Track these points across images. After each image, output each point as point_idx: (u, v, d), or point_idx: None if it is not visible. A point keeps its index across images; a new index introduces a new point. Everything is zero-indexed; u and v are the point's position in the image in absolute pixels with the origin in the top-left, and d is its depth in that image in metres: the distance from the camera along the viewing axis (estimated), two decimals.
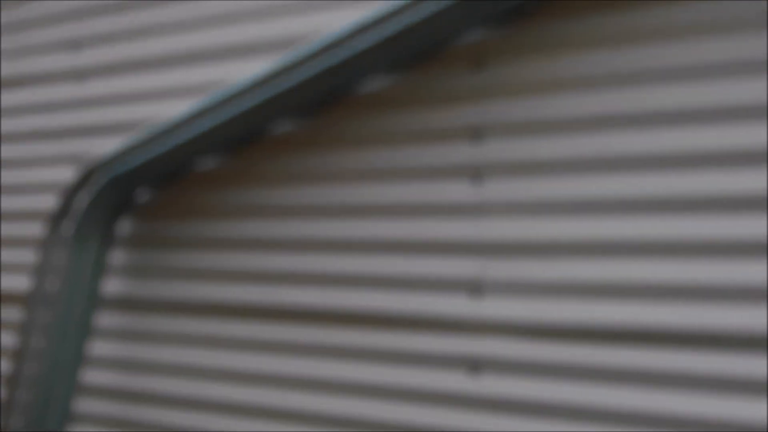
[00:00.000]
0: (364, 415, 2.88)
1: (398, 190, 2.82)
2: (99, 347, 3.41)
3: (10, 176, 3.72)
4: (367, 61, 2.73)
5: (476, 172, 2.69)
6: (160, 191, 3.29)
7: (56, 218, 3.19)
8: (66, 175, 3.52)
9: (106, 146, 3.38)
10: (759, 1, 2.30)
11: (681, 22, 2.40)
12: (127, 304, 3.38)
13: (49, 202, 3.56)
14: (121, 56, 3.43)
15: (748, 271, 2.31)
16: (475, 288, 2.69)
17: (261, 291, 3.09)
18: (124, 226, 3.37)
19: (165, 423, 3.26)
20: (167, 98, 3.28)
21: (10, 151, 3.73)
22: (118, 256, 3.38)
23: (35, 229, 3.59)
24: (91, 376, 3.44)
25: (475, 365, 2.69)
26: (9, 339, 3.68)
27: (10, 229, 3.71)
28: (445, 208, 2.75)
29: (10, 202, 3.72)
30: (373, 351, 2.87)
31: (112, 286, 3.40)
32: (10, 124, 3.75)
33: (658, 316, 2.43)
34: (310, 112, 2.95)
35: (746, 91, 2.31)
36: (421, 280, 2.79)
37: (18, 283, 3.67)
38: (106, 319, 3.41)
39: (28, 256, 3.61)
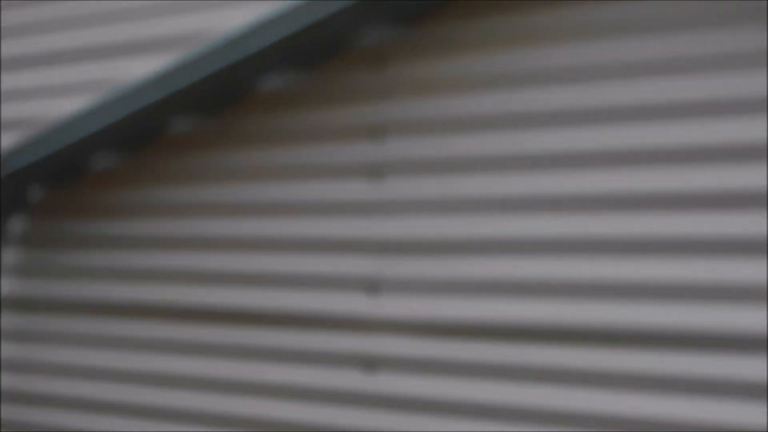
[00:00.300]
0: (260, 415, 2.87)
1: (297, 188, 2.82)
2: None
3: None
4: (267, 59, 2.71)
5: (376, 171, 2.70)
6: (55, 189, 3.24)
7: None
8: None
9: None
10: (641, 2, 2.35)
11: (579, 23, 2.43)
12: (20, 304, 3.32)
13: None
14: (12, 53, 3.36)
15: (650, 269, 2.35)
16: (372, 286, 2.70)
17: (159, 290, 3.05)
18: (18, 225, 3.31)
19: (60, 425, 3.21)
20: (61, 95, 3.23)
21: None
22: (11, 256, 3.31)
23: None
24: None
25: (371, 363, 2.71)
26: None
27: None
28: (344, 207, 2.76)
29: None
30: (270, 349, 2.87)
31: (5, 286, 3.33)
32: None
33: (554, 313, 2.46)
34: (210, 110, 2.93)
35: (642, 92, 2.36)
36: (320, 278, 2.79)
37: None
38: None
39: None
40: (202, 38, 2.92)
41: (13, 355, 3.30)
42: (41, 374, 3.24)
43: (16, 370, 3.29)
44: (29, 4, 3.28)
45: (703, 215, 2.29)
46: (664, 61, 2.33)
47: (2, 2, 3.17)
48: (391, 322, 2.68)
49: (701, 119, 2.29)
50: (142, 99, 2.83)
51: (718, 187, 2.27)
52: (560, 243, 2.46)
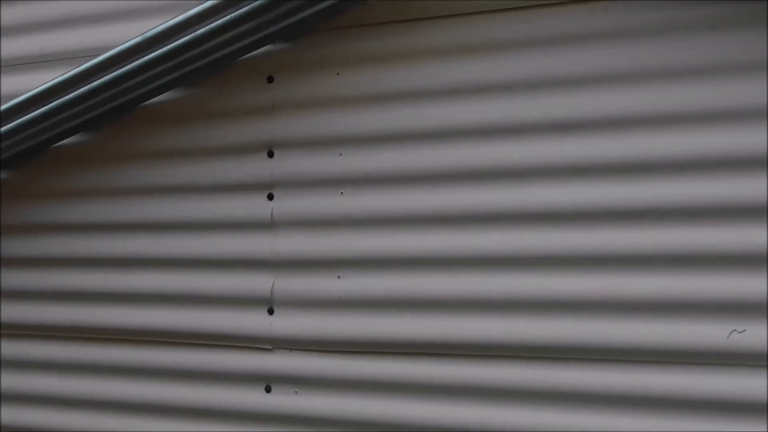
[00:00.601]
0: None
1: (194, 205, 2.77)
2: None
3: None
4: (155, 74, 2.67)
5: (270, 187, 2.67)
6: None
7: None
8: None
9: None
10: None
11: (466, 41, 2.44)
12: None
13: None
14: None
15: (535, 283, 2.38)
16: (269, 304, 2.68)
17: (46, 310, 2.98)
18: None
19: None
20: None
21: None
22: None
23: None
24: None
25: (269, 381, 2.68)
26: None
27: None
28: (241, 224, 2.72)
29: None
30: (169, 369, 2.82)
31: None
32: None
33: (449, 329, 2.46)
34: (96, 125, 2.87)
35: (534, 107, 2.38)
36: (218, 296, 2.75)
37: None
38: None
39: None
40: (88, 54, 2.85)
41: None
42: None
43: None
44: None
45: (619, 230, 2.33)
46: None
47: None
48: (287, 339, 2.66)
49: (600, 133, 2.33)
50: (24, 115, 2.76)
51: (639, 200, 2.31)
52: (453, 258, 2.46)
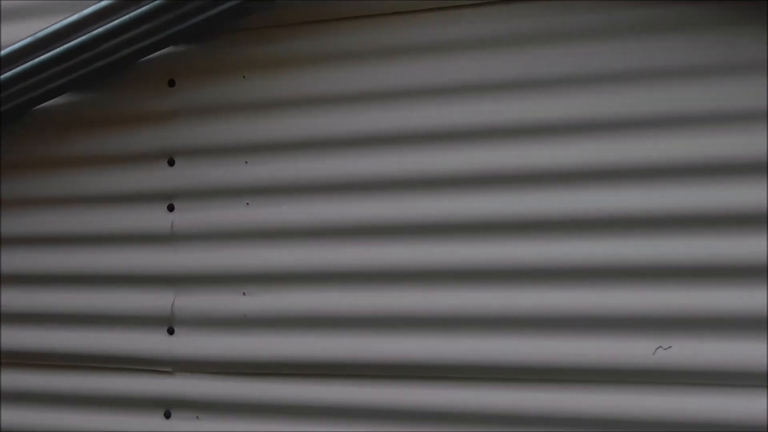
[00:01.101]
0: None
1: (87, 217, 2.65)
2: None
3: None
4: (48, 76, 2.54)
5: (170, 197, 2.56)
6: None
7: None
8: None
9: None
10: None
11: (380, 43, 2.37)
12: None
13: None
14: None
15: (461, 299, 2.31)
16: (169, 323, 2.56)
17: None
18: None
19: None
20: None
21: None
22: None
23: None
24: None
25: (169, 406, 2.56)
26: None
27: None
28: (138, 237, 2.61)
29: None
30: (60, 394, 2.68)
31: None
32: None
33: (361, 348, 2.39)
34: None
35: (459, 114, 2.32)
36: (113, 315, 2.63)
37: None
38: None
39: None
40: None
41: None
42: None
43: None
44: None
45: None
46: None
47: None
48: (188, 361, 2.55)
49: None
50: None
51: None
52: (365, 272, 2.38)
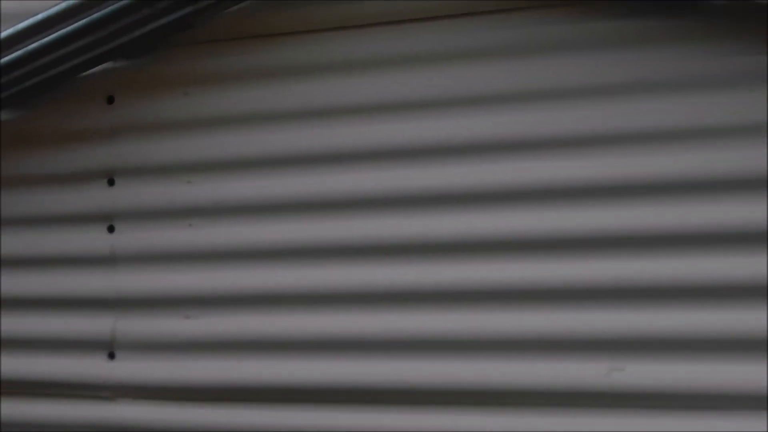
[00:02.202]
0: None
1: (23, 239, 2.59)
2: None
3: None
4: None
5: (110, 218, 2.52)
6: None
7: None
8: None
9: None
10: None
11: (327, 58, 2.34)
12: None
13: None
14: None
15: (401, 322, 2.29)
16: (109, 347, 2.52)
17: None
18: None
19: None
20: None
21: None
22: None
23: None
24: None
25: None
26: None
27: None
28: (77, 259, 2.56)
29: None
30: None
31: None
32: None
33: (308, 373, 2.35)
34: None
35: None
36: (51, 339, 2.57)
37: None
38: None
39: None
40: None
41: None
42: None
43: None
44: None
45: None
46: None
47: None
48: (129, 386, 2.50)
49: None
50: None
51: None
52: (312, 295, 2.35)
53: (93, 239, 2.52)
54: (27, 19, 2.37)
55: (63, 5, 2.33)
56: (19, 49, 2.40)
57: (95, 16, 2.34)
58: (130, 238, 2.49)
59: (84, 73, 2.51)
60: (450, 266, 2.25)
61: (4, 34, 2.39)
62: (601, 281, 2.15)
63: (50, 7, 2.34)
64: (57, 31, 2.38)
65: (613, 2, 2.12)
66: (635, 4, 2.10)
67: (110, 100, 2.52)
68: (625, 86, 2.13)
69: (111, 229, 2.51)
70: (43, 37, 2.39)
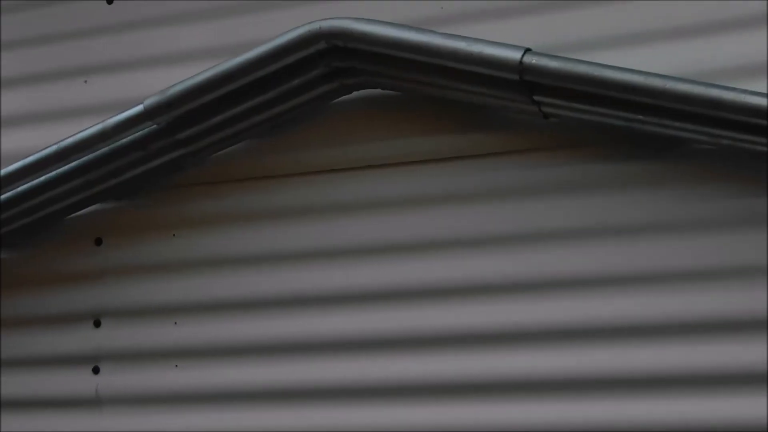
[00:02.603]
0: None
1: (7, 380, 2.58)
2: None
3: None
4: None
5: (96, 360, 2.51)
6: None
7: None
8: None
9: None
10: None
11: (312, 201, 2.37)
12: None
13: None
14: None
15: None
16: None
17: None
18: None
19: None
20: None
21: None
22: None
23: None
24: None
25: None
26: None
27: None
28: (61, 402, 2.54)
29: None
30: None
31: None
32: None
33: None
34: None
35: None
36: None
37: None
38: None
39: None
40: None
41: None
42: None
43: None
44: None
45: None
46: None
47: None
48: None
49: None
50: None
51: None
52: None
53: (78, 381, 2.51)
54: (18, 161, 2.40)
55: (54, 148, 2.36)
56: (9, 191, 2.43)
57: (87, 158, 2.38)
58: (115, 379, 2.48)
59: (73, 215, 2.54)
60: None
61: None
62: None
63: (43, 149, 2.37)
64: (47, 173, 2.41)
65: (601, 147, 2.17)
66: (624, 147, 2.15)
67: (98, 241, 2.53)
68: (613, 228, 2.16)
69: (96, 371, 2.50)
70: (33, 179, 2.42)
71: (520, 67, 2.01)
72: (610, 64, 1.99)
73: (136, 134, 2.35)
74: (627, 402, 2.11)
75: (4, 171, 2.42)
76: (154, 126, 2.33)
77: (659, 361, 2.09)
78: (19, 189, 2.44)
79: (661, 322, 2.10)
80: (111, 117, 2.32)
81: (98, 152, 2.38)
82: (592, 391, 2.14)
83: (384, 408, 2.27)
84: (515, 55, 2.02)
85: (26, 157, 2.39)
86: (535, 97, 2.08)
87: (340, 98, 2.32)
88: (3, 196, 2.44)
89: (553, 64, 2.01)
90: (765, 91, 1.89)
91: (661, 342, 2.09)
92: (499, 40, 2.05)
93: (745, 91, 1.90)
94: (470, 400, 2.21)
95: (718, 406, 2.04)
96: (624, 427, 2.10)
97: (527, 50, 2.02)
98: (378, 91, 2.29)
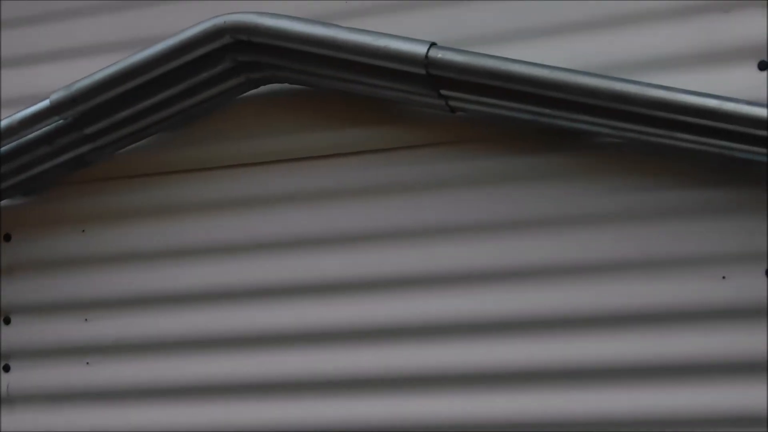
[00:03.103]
0: None
1: None
2: None
3: None
4: None
5: (6, 358, 2.50)
6: None
7: None
8: None
9: None
10: None
11: (224, 195, 2.37)
12: None
13: None
14: None
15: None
16: None
17: None
18: None
19: None
20: None
21: None
22: None
23: None
24: None
25: None
26: None
27: None
28: None
29: None
30: None
31: None
32: None
33: None
34: None
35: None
36: None
37: None
38: None
39: None
40: None
41: None
42: None
43: None
44: None
45: None
46: None
47: None
48: None
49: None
50: None
51: None
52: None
53: None
54: None
55: None
56: None
57: None
58: (25, 377, 2.47)
59: None
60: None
61: None
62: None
63: None
64: None
65: (508, 141, 2.19)
66: (531, 141, 2.17)
67: (7, 237, 2.52)
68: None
69: (6, 369, 2.49)
70: None
71: (426, 61, 2.02)
72: (515, 58, 2.00)
73: (43, 129, 2.33)
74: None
75: None
76: (61, 121, 2.31)
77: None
78: None
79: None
80: (17, 112, 2.30)
81: (5, 147, 2.35)
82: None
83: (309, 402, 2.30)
84: (421, 49, 2.03)
85: None
86: (442, 91, 2.09)
87: (247, 93, 2.31)
88: None
89: (458, 58, 2.02)
90: (669, 84, 1.92)
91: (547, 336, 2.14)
92: (405, 34, 2.05)
93: (649, 85, 1.92)
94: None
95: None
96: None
97: (432, 44, 2.03)
98: (285, 85, 2.28)
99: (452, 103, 2.13)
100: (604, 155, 2.12)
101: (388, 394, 2.22)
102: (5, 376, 2.49)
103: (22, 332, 2.48)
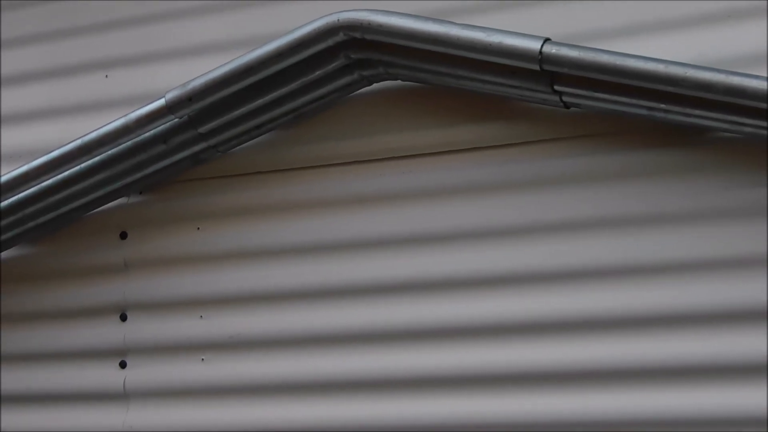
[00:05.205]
0: None
1: (35, 375, 2.67)
2: None
3: None
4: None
5: (123, 354, 2.59)
6: None
7: None
8: None
9: None
10: None
11: (333, 194, 2.44)
12: None
13: None
14: None
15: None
16: None
17: None
18: None
19: None
20: None
21: None
22: None
23: None
24: None
25: None
26: None
27: None
28: (89, 396, 2.62)
29: None
30: None
31: None
32: None
33: None
34: None
35: None
36: None
37: None
38: None
39: None
40: None
41: None
42: None
43: None
44: None
45: None
46: None
47: None
48: None
49: None
50: None
51: None
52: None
53: (105, 375, 2.59)
54: (41, 156, 2.48)
55: (78, 142, 2.43)
56: (35, 185, 2.52)
57: (110, 152, 2.47)
58: (142, 373, 2.56)
59: (98, 210, 2.62)
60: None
61: (17, 171, 2.49)
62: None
63: (66, 144, 2.45)
64: (71, 167, 2.49)
65: (622, 136, 2.23)
66: (646, 136, 2.21)
67: (123, 235, 2.61)
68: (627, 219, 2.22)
69: (123, 365, 2.58)
70: (58, 174, 2.50)
71: (540, 57, 2.08)
72: (629, 53, 2.04)
73: (158, 128, 2.43)
74: (627, 394, 2.19)
75: (29, 166, 2.49)
76: (176, 120, 2.41)
77: (662, 352, 2.17)
78: (44, 184, 2.52)
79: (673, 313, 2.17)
80: (133, 111, 2.39)
81: (121, 146, 2.46)
82: (590, 383, 2.22)
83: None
84: (535, 45, 2.08)
85: (49, 152, 2.47)
86: (556, 87, 2.14)
87: (360, 90, 2.39)
88: (28, 192, 2.52)
89: (573, 53, 2.07)
90: None
91: (675, 333, 2.17)
92: (518, 30, 2.11)
93: (766, 78, 1.94)
94: (466, 392, 2.31)
95: (717, 397, 2.12)
96: (622, 419, 2.18)
97: (547, 40, 2.08)
98: (398, 82, 2.35)
99: (566, 98, 2.18)
100: (719, 150, 2.15)
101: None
102: (122, 372, 2.58)
103: (138, 329, 2.58)
